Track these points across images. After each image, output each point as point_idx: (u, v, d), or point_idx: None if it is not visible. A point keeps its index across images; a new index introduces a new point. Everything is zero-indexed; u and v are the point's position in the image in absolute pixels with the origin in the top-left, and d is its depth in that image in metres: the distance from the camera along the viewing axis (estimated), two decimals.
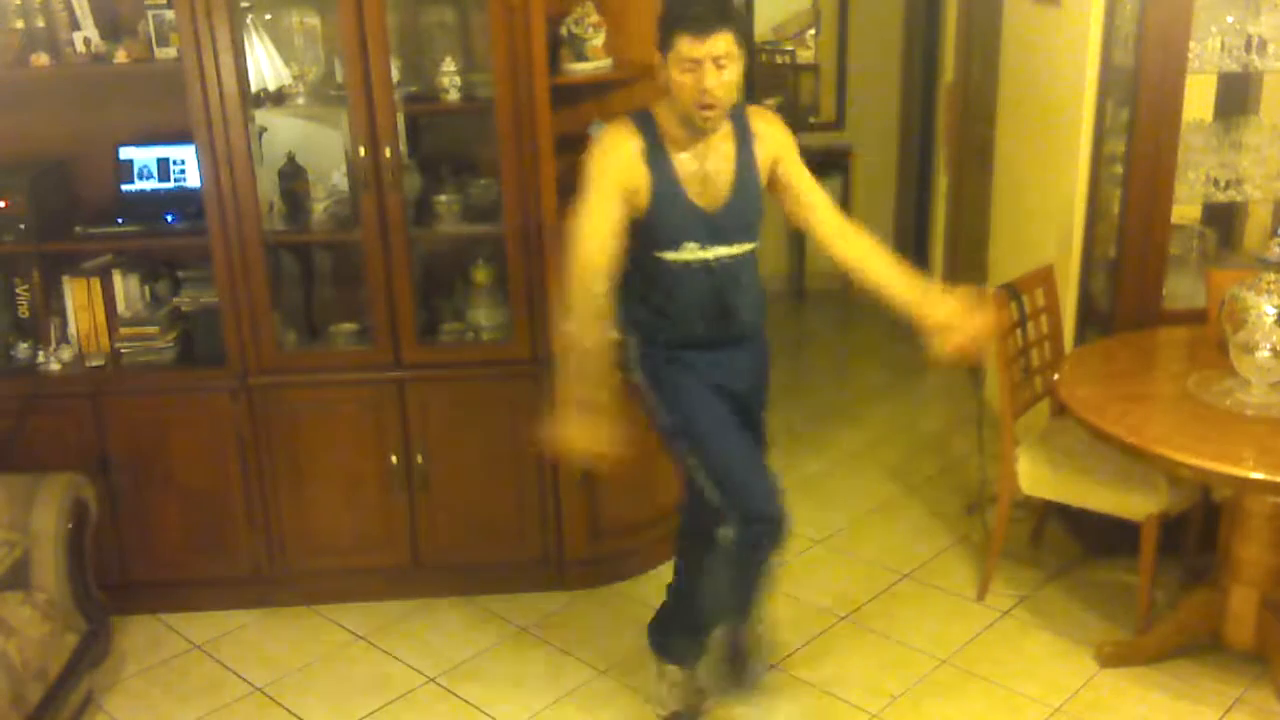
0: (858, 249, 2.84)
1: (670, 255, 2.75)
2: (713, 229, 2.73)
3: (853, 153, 6.76)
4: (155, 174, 3.65)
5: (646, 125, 2.71)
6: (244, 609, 3.75)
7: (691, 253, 2.74)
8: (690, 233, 2.72)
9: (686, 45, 2.54)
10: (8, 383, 3.54)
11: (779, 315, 6.53)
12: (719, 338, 2.85)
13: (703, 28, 2.52)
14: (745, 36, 2.62)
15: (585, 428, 2.65)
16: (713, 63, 2.54)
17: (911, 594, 3.74)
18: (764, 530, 2.79)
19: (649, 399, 2.89)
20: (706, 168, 2.72)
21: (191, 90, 3.33)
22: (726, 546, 2.80)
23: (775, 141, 2.81)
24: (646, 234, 2.74)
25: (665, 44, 2.59)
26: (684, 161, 2.71)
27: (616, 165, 2.68)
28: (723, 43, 2.53)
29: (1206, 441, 2.85)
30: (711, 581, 2.92)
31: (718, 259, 2.75)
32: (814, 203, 2.84)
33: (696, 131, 2.67)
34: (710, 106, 2.59)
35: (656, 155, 2.69)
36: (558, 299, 2.71)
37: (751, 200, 2.77)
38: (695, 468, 2.83)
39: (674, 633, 3.16)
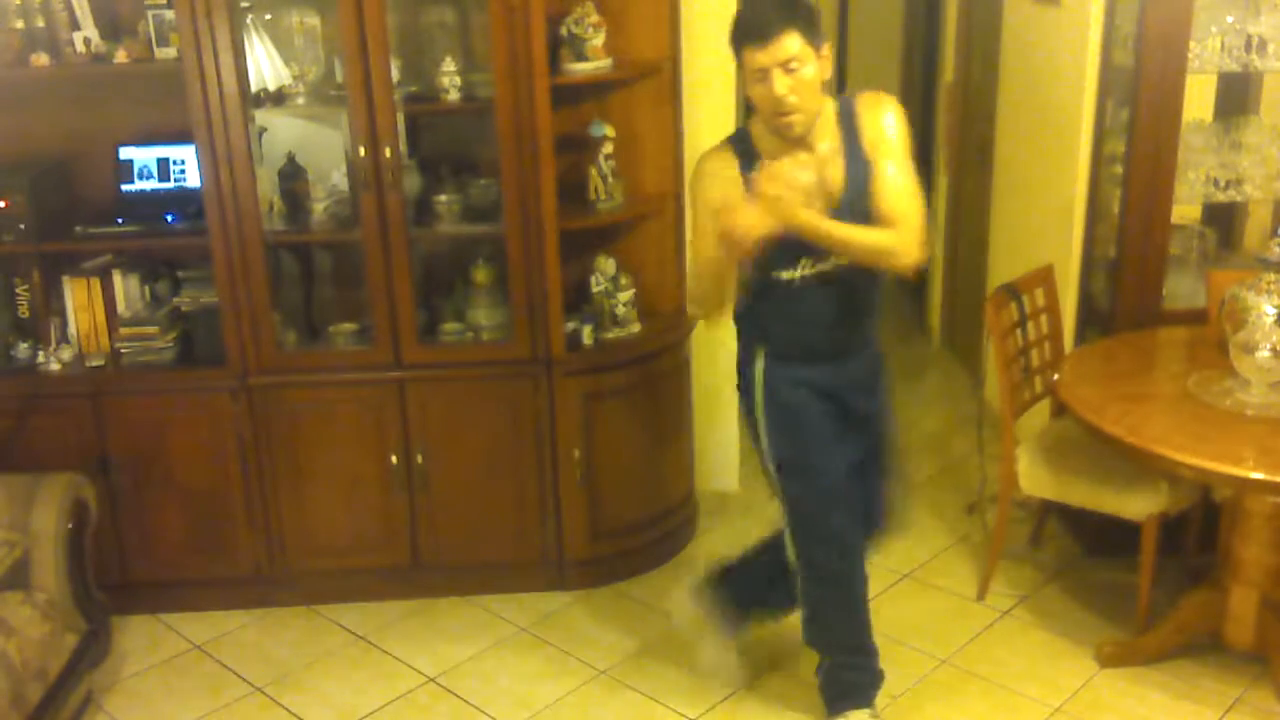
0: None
1: (786, 274, 2.68)
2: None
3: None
4: (155, 174, 3.65)
5: (742, 144, 2.64)
6: (244, 609, 3.75)
7: (806, 268, 2.66)
8: (800, 247, 2.59)
9: (750, 55, 2.46)
10: (8, 383, 3.54)
11: None
12: (839, 351, 2.80)
13: (762, 34, 2.43)
14: (817, 29, 2.49)
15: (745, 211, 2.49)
16: (781, 68, 2.45)
17: (911, 594, 3.74)
18: (810, 598, 2.96)
19: (767, 433, 2.85)
20: (814, 175, 2.60)
21: (191, 90, 3.33)
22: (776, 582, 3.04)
23: (872, 128, 2.62)
24: (760, 256, 2.59)
25: (737, 59, 2.52)
26: (772, 172, 2.56)
27: (705, 195, 2.64)
28: (789, 45, 2.43)
29: (1206, 441, 2.85)
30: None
31: (836, 269, 2.66)
32: (880, 214, 2.60)
33: (793, 140, 2.58)
34: (788, 113, 2.50)
35: (749, 166, 2.60)
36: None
37: (865, 199, 2.60)
38: (788, 508, 2.89)
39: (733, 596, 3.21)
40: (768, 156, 2.58)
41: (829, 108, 2.62)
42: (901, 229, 2.57)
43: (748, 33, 2.46)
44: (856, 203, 2.60)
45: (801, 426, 2.79)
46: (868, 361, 2.88)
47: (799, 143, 2.59)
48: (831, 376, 2.79)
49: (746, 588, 3.20)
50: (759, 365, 2.82)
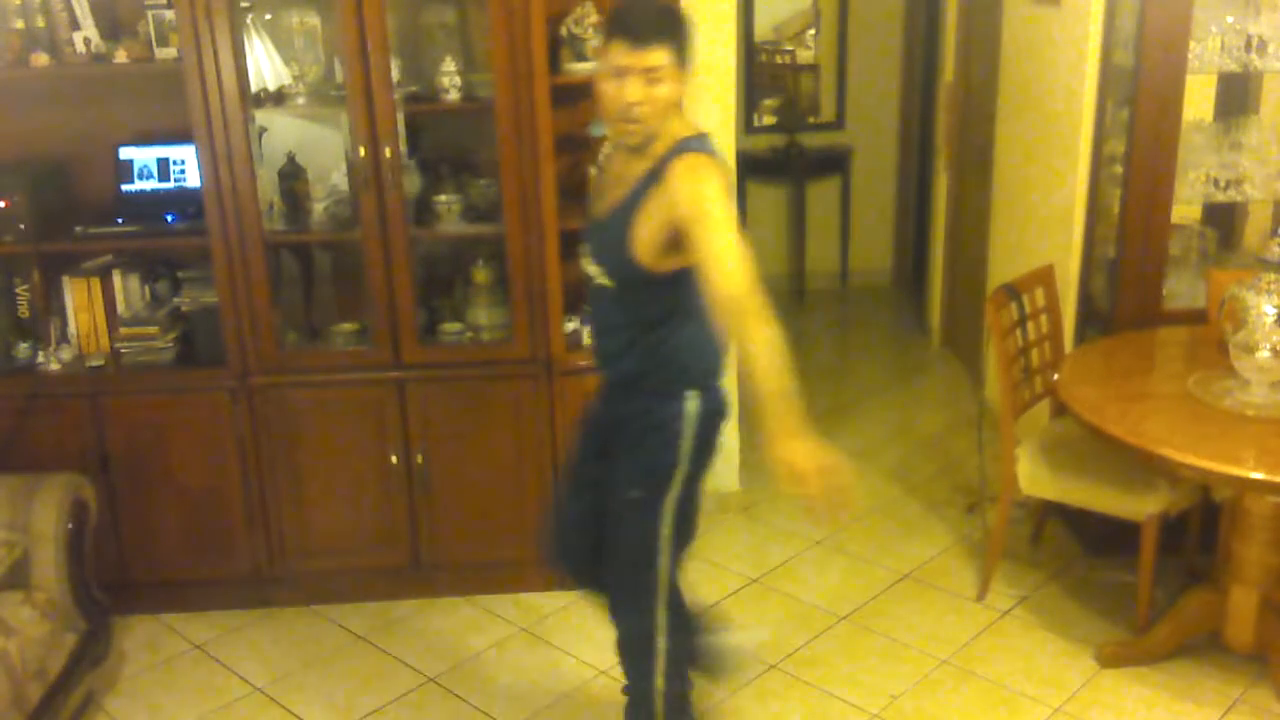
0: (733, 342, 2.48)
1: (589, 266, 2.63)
2: (593, 246, 2.58)
3: (853, 153, 6.76)
4: (155, 174, 3.65)
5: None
6: (244, 609, 3.75)
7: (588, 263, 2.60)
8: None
9: (617, 51, 2.36)
10: (8, 383, 3.54)
11: (778, 315, 6.51)
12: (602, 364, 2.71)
13: (637, 34, 2.34)
14: (687, 52, 2.40)
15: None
16: (643, 74, 2.34)
17: (911, 594, 3.74)
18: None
19: (677, 469, 2.60)
20: (610, 178, 2.57)
21: (191, 90, 3.33)
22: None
23: (675, 198, 2.36)
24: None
25: (603, 49, 2.41)
26: (605, 163, 2.62)
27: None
28: (658, 55, 2.34)
29: (1206, 441, 2.85)
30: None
31: (596, 281, 2.59)
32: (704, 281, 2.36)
33: (625, 147, 2.50)
34: (632, 121, 2.38)
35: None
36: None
37: (616, 233, 2.47)
38: (653, 539, 2.63)
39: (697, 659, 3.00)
40: (605, 150, 2.59)
41: (670, 135, 2.44)
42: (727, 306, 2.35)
43: (624, 27, 2.36)
44: (612, 230, 2.48)
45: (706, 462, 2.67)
46: (622, 389, 2.64)
47: (630, 150, 2.49)
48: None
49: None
50: (700, 410, 2.66)
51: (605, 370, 2.70)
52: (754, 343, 2.32)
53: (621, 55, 2.35)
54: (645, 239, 2.43)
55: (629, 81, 2.35)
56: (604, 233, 2.53)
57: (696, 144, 2.43)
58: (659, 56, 2.34)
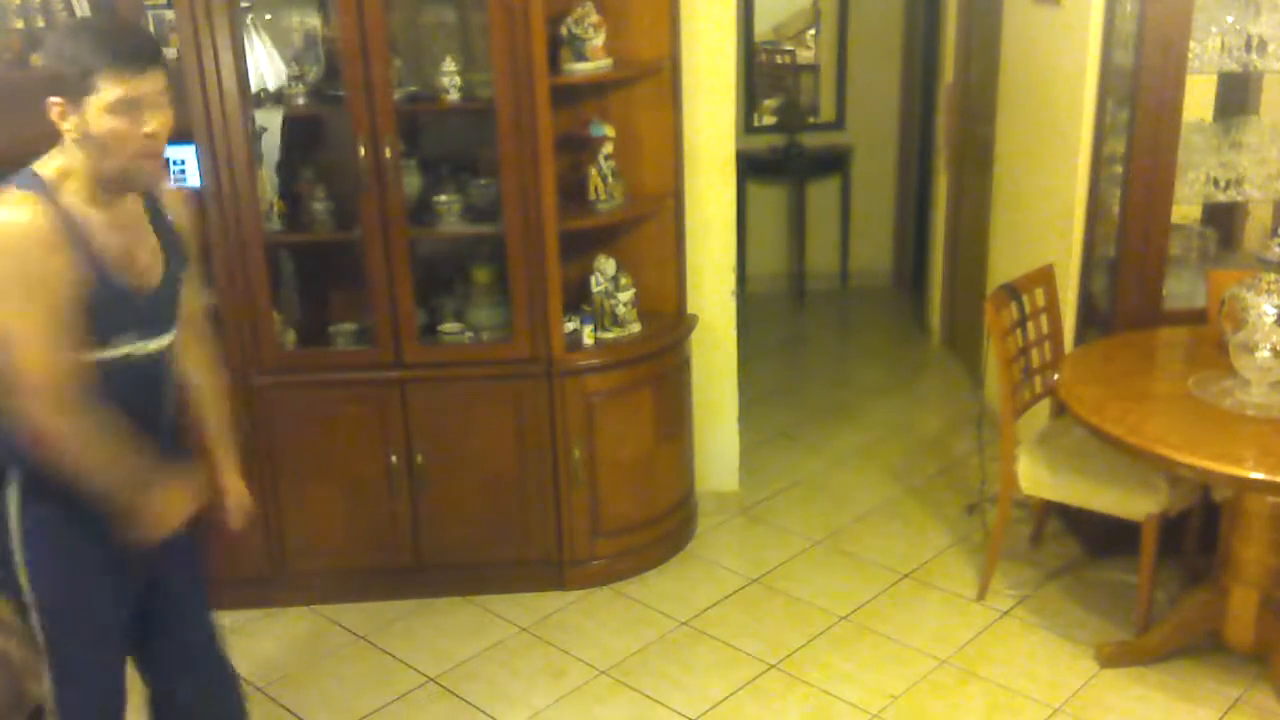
0: (200, 367, 2.47)
1: (109, 353, 2.17)
2: (149, 317, 2.23)
3: (853, 153, 6.76)
4: None
5: (49, 195, 2.12)
6: (244, 609, 3.75)
7: (130, 346, 2.20)
8: (128, 323, 2.19)
9: (122, 83, 2.03)
10: None
11: (778, 315, 6.53)
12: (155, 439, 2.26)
13: (139, 59, 2.06)
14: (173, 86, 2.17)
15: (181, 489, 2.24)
16: (157, 102, 2.09)
17: (911, 594, 3.74)
18: None
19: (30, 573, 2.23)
20: (131, 240, 2.20)
21: (191, 90, 3.33)
22: None
23: (182, 217, 2.34)
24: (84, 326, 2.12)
25: (81, 89, 2.06)
26: (107, 234, 2.15)
27: (33, 261, 2.04)
28: (161, 79, 2.10)
29: (1206, 441, 2.85)
30: None
31: (158, 352, 2.25)
32: (192, 307, 2.39)
33: (116, 195, 2.17)
34: (155, 156, 2.13)
35: (74, 229, 2.11)
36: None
37: (180, 279, 2.30)
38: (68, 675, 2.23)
39: None
40: (81, 208, 2.12)
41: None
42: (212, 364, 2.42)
43: (121, 55, 2.04)
44: (174, 286, 2.29)
45: (72, 563, 2.24)
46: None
47: (118, 201, 2.18)
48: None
49: None
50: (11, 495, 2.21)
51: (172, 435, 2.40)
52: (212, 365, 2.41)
53: (126, 86, 2.05)
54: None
55: (146, 112, 2.09)
56: (167, 293, 2.27)
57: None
58: (162, 80, 2.11)
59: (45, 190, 2.13)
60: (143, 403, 2.25)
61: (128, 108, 2.06)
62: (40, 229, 2.06)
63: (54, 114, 2.14)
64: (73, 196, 2.14)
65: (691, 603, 3.72)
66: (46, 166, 2.18)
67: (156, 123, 2.10)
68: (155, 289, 2.24)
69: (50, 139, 2.20)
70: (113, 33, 2.14)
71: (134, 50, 2.08)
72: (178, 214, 2.34)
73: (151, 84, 2.08)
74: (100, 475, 2.10)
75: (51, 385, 2.04)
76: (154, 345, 2.24)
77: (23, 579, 2.21)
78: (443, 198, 3.56)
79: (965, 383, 5.35)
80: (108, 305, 2.13)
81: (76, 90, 2.08)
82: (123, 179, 2.15)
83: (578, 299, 3.77)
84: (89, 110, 2.08)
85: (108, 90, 2.05)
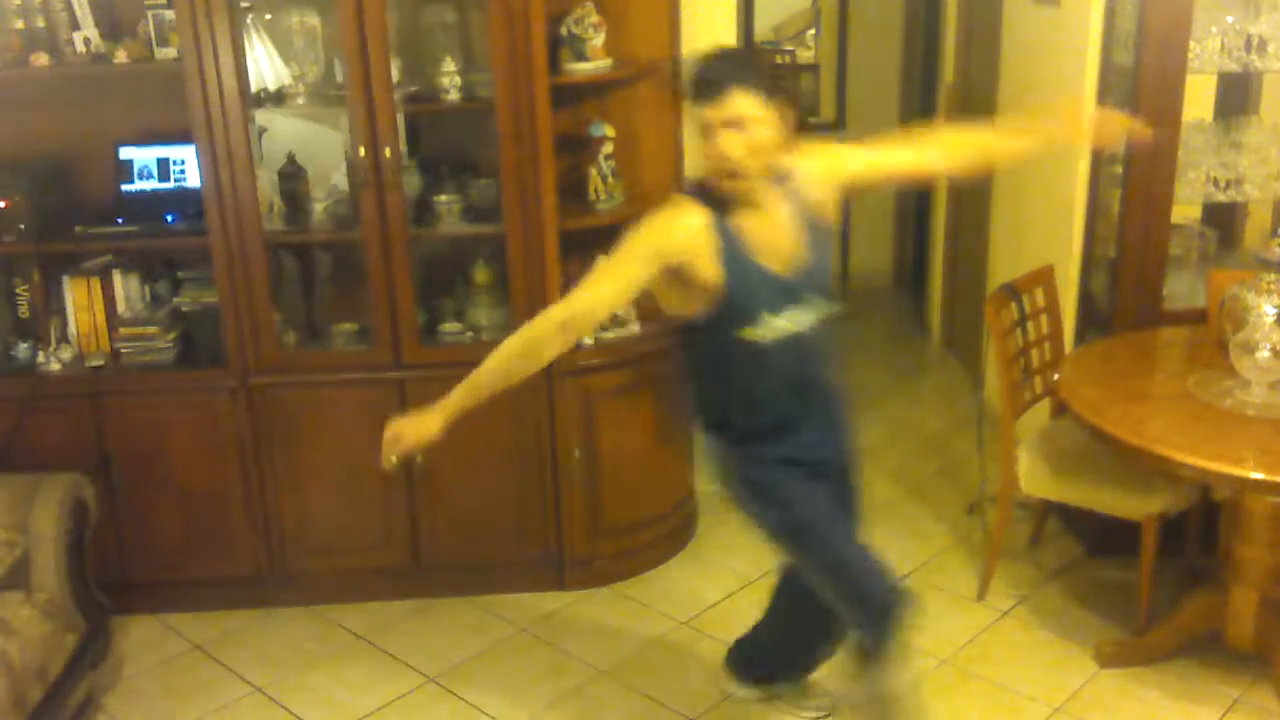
0: (964, 150, 2.74)
1: (752, 331, 2.48)
2: (795, 295, 2.49)
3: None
4: (155, 174, 3.65)
5: (705, 195, 2.44)
6: (244, 609, 3.75)
7: (773, 326, 2.48)
8: (773, 303, 2.47)
9: (699, 109, 2.33)
10: (8, 383, 3.54)
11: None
12: (808, 410, 2.66)
13: (709, 89, 2.31)
14: (773, 86, 2.34)
15: (421, 425, 2.50)
16: (728, 126, 2.31)
17: None
18: (893, 624, 2.61)
19: (749, 508, 2.74)
20: (773, 229, 2.47)
21: (191, 90, 3.33)
22: (859, 645, 2.67)
23: (824, 170, 2.53)
24: (722, 313, 2.47)
25: (691, 112, 2.40)
26: (750, 230, 2.44)
27: (657, 235, 2.44)
28: (739, 104, 2.30)
29: (1206, 441, 2.85)
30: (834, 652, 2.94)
31: (806, 327, 2.53)
32: (896, 160, 2.65)
33: (744, 202, 2.43)
34: (733, 174, 2.35)
35: (720, 224, 2.42)
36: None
37: (824, 257, 2.55)
38: (812, 572, 2.70)
39: (776, 673, 3.15)
40: (733, 211, 2.43)
41: (782, 168, 2.47)
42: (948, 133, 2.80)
43: (695, 85, 2.34)
44: (822, 265, 2.54)
45: (782, 488, 2.67)
46: (834, 410, 2.76)
47: (754, 205, 2.44)
48: (802, 446, 2.66)
49: (777, 660, 3.14)
50: (723, 445, 2.69)
51: (828, 396, 2.72)
52: (952, 134, 2.78)
53: (701, 112, 2.33)
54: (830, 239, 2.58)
55: (717, 136, 2.33)
56: (811, 276, 2.51)
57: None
58: (741, 104, 2.30)
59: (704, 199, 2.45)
60: (795, 372, 2.57)
61: (706, 132, 2.35)
62: (686, 226, 2.42)
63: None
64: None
65: (691, 603, 3.72)
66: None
67: (727, 146, 2.33)
68: (799, 270, 2.48)
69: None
70: (700, 62, 2.39)
71: (706, 79, 2.33)
72: (815, 180, 2.52)
73: (722, 111, 2.31)
74: (475, 387, 2.49)
75: (566, 320, 2.43)
76: (802, 321, 2.51)
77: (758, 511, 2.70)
78: (443, 198, 3.56)
79: (965, 383, 5.35)
80: (752, 287, 2.44)
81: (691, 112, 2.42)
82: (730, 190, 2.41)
83: None
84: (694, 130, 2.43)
85: (696, 115, 2.38)
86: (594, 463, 3.68)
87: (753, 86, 2.31)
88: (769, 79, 2.35)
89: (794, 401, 2.61)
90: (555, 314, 2.45)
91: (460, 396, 2.49)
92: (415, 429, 2.49)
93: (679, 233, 2.41)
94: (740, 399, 2.60)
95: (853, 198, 2.67)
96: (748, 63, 2.40)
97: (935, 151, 2.70)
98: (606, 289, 2.45)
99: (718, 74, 2.32)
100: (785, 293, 2.47)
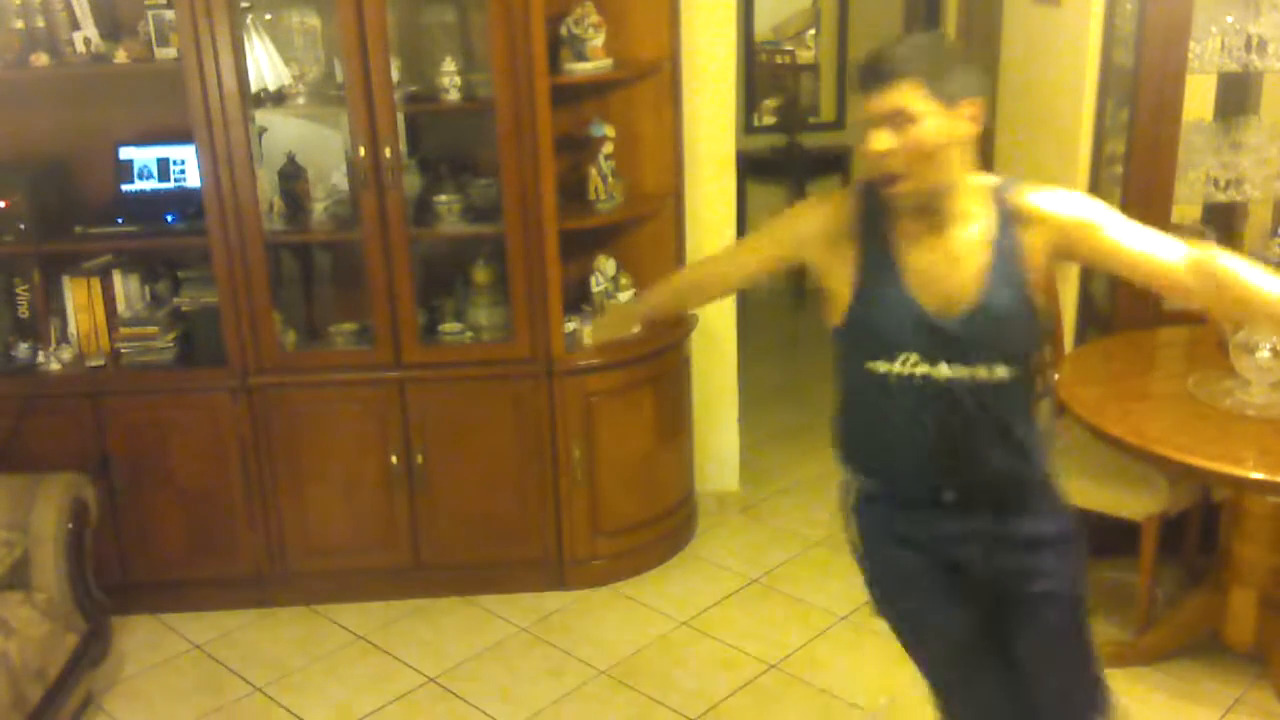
0: (1232, 298, 2.07)
1: (883, 366, 2.14)
2: (944, 340, 2.10)
3: (853, 153, 6.75)
4: (155, 174, 3.65)
5: (869, 195, 2.14)
6: (244, 609, 3.75)
7: (909, 366, 2.12)
8: (909, 340, 2.11)
9: (861, 100, 2.03)
10: (8, 383, 3.54)
11: (778, 315, 6.53)
12: (956, 488, 2.19)
13: (870, 78, 2.00)
14: (949, 80, 1.99)
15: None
16: (886, 121, 1.99)
17: None
18: None
19: (858, 563, 2.35)
20: (945, 259, 2.10)
21: (191, 90, 3.33)
22: None
23: (1059, 222, 2.13)
24: (850, 333, 2.19)
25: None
26: (912, 250, 2.11)
27: (798, 211, 2.27)
28: (899, 96, 1.97)
29: (1206, 441, 2.84)
30: None
31: (949, 380, 2.10)
32: (1153, 267, 2.14)
33: (925, 213, 2.08)
34: (891, 179, 2.03)
35: (872, 231, 2.14)
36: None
37: (1004, 308, 2.09)
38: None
39: None
40: (897, 224, 2.11)
41: (975, 186, 2.11)
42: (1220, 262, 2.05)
43: (859, 76, 2.04)
44: (998, 308, 2.09)
45: (874, 566, 2.31)
46: (1009, 506, 2.25)
47: (930, 221, 2.09)
48: (930, 530, 2.22)
49: None
50: (849, 480, 2.33)
51: (995, 491, 2.23)
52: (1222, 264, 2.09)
53: (863, 105, 2.03)
54: (1039, 290, 2.14)
55: (873, 132, 2.02)
56: (977, 326, 2.09)
57: (1011, 180, 2.15)
58: (902, 97, 1.98)
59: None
60: (935, 435, 2.14)
61: (865, 127, 2.05)
62: (821, 216, 2.23)
63: None
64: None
65: (691, 603, 3.72)
66: None
67: (884, 144, 2.01)
68: (963, 314, 2.10)
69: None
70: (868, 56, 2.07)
71: (868, 67, 2.03)
72: (1039, 223, 2.12)
73: (880, 103, 2.00)
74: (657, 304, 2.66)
75: (700, 280, 2.60)
76: (947, 372, 2.11)
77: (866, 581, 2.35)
78: (443, 198, 3.56)
79: None
80: (885, 315, 2.12)
81: None
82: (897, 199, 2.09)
83: (578, 299, 3.77)
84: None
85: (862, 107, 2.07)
86: (594, 463, 3.68)
87: (923, 79, 1.97)
88: (947, 72, 2.00)
89: (937, 472, 2.18)
90: (693, 271, 2.74)
91: (653, 301, 2.68)
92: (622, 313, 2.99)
93: (808, 223, 2.22)
94: (866, 439, 2.27)
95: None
96: (923, 52, 2.03)
97: (1200, 281, 2.08)
98: (741, 259, 2.49)
99: (884, 62, 2.00)
100: (930, 334, 2.09)
